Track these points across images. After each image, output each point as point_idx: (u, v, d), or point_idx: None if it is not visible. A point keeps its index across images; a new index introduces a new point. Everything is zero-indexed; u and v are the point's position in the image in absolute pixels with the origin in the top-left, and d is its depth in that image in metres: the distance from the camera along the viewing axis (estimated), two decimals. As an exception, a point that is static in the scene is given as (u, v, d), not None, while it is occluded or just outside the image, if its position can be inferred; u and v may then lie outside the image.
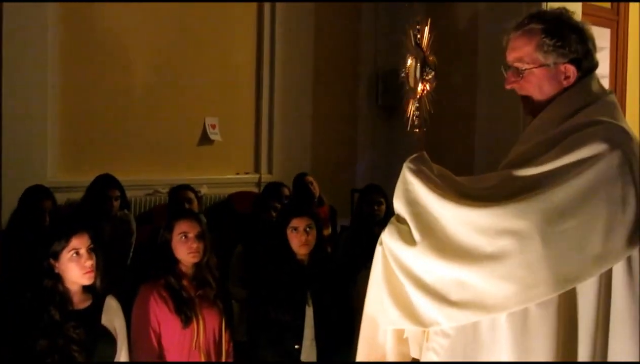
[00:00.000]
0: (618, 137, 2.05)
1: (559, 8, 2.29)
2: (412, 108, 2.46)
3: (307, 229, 4.12)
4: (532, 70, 2.23)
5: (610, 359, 2.06)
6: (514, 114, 6.16)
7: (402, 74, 2.47)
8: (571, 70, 2.23)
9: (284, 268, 4.12)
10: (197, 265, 3.86)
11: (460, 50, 7.46)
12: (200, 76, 7.17)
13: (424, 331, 2.22)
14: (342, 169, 7.92)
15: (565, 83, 2.23)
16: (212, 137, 7.22)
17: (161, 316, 3.73)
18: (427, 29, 2.40)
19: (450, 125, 7.24)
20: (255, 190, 7.36)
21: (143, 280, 3.87)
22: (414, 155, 2.20)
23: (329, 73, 8.07)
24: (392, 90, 7.95)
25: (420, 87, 2.39)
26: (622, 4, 9.54)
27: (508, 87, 2.30)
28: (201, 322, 3.78)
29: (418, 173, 2.14)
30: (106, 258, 3.56)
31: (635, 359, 2.03)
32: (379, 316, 2.25)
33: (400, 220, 2.17)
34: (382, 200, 5.59)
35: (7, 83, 6.04)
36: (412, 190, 2.14)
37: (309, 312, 4.01)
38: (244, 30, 7.58)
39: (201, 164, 7.23)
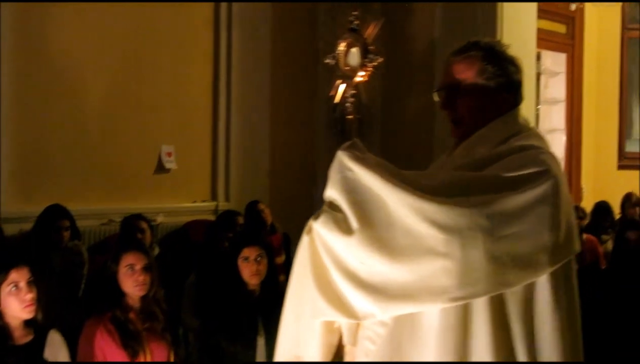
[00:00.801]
0: (553, 164, 2.13)
1: (495, 40, 2.39)
2: (340, 94, 2.40)
3: (258, 258, 4.12)
4: (472, 94, 2.27)
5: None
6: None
7: (328, 60, 2.44)
8: (507, 99, 2.29)
9: (235, 298, 4.11)
10: (144, 298, 3.80)
11: (415, 80, 7.51)
12: (156, 103, 7.12)
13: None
14: (301, 196, 7.89)
15: (502, 110, 2.28)
16: (167, 165, 7.17)
17: (107, 350, 3.67)
18: (373, 25, 2.36)
19: (408, 149, 7.29)
20: (212, 218, 7.30)
21: (91, 312, 3.82)
22: (349, 142, 2.16)
23: (287, 99, 8.06)
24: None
25: (360, 73, 2.33)
26: (577, 29, 9.69)
27: (444, 108, 2.33)
28: (148, 355, 3.72)
29: (360, 159, 2.08)
30: (55, 290, 3.50)
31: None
32: (306, 307, 2.16)
33: (335, 209, 2.09)
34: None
35: (-44, 112, 5.95)
36: (351, 177, 2.07)
37: (261, 341, 3.99)
38: (200, 57, 7.56)
39: (157, 192, 7.16)
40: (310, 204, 7.88)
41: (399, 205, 2.01)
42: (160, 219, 6.84)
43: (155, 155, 7.18)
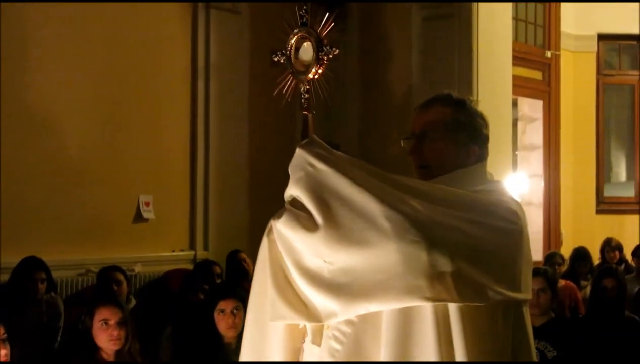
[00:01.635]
0: (521, 214, 2.16)
1: (465, 95, 2.38)
2: (291, 88, 2.37)
3: (235, 311, 4.09)
4: (440, 140, 2.27)
5: None
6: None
7: (276, 58, 2.41)
8: (476, 151, 2.29)
9: (212, 352, 4.07)
10: (118, 352, 3.78)
11: (392, 125, 7.55)
12: (134, 153, 7.10)
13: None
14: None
15: (469, 161, 2.28)
16: (145, 215, 7.12)
17: (82, 406, 3.63)
18: (326, 19, 2.33)
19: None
20: (191, 267, 7.25)
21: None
22: (307, 139, 2.15)
23: (265, 147, 8.06)
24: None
25: (314, 69, 2.30)
26: (552, 76, 9.80)
27: (411, 154, 2.32)
28: (124, 411, 3.68)
29: (319, 155, 2.07)
30: (30, 344, 3.45)
31: None
32: (267, 311, 2.11)
33: (296, 207, 2.07)
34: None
35: None
36: (313, 173, 2.05)
37: (237, 395, 3.94)
38: (177, 107, 7.55)
39: (135, 242, 7.10)
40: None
41: (362, 201, 1.98)
42: (138, 269, 6.79)
43: (134, 204, 7.14)
